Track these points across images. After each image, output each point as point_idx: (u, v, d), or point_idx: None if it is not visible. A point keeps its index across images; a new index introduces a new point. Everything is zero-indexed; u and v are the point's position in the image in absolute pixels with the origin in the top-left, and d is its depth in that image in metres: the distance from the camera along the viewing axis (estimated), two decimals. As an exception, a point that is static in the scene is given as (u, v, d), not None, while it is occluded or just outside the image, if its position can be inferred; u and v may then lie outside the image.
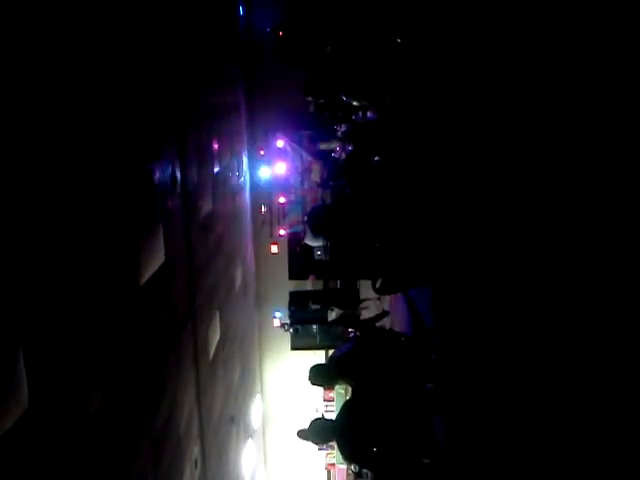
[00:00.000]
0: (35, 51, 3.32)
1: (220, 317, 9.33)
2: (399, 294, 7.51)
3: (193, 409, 7.31)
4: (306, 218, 7.95)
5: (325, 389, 12.44)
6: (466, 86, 4.63)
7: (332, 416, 5.18)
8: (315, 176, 12.42)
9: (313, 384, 5.34)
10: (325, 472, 14.15)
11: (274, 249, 14.32)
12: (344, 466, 11.74)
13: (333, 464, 13.07)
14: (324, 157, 11.79)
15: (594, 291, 2.64)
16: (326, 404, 13.46)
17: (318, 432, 4.90)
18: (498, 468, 3.85)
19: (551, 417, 3.03)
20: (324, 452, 13.55)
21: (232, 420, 10.57)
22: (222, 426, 9.56)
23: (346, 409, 4.94)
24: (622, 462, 2.38)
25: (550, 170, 3.09)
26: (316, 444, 5.17)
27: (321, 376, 5.32)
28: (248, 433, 12.85)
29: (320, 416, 5.15)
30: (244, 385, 12.50)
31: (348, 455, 5.02)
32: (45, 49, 3.44)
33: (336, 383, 5.56)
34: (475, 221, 4.37)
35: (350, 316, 11.51)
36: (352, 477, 11.15)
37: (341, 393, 11.66)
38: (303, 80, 8.12)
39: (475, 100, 4.39)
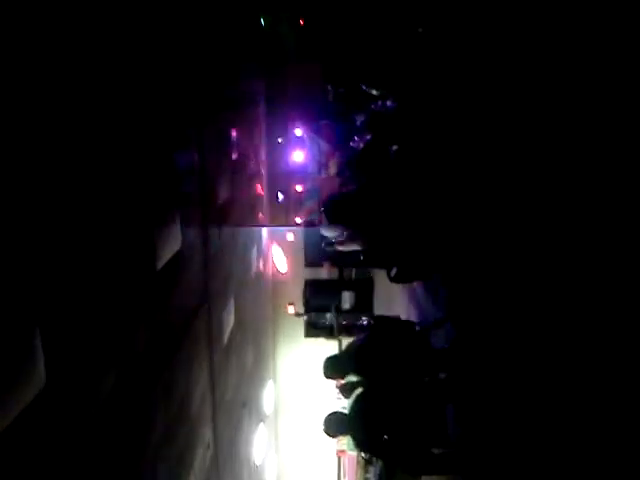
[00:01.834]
0: (59, 37, 3.35)
1: (235, 303, 9.40)
2: (416, 283, 7.51)
3: (206, 393, 7.39)
4: (322, 206, 7.97)
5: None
6: (486, 76, 4.61)
7: (344, 403, 5.22)
8: (332, 170, 12.44)
9: (327, 377, 5.37)
10: (336, 458, 14.22)
11: (290, 237, 14.36)
12: (355, 453, 11.80)
13: (344, 451, 13.14)
14: (342, 146, 11.79)
15: (609, 280, 2.64)
16: (338, 392, 13.51)
17: (334, 426, 4.95)
18: (509, 459, 3.87)
19: (564, 408, 3.04)
20: (335, 439, 13.61)
21: (244, 405, 10.66)
22: (234, 410, 9.64)
23: (359, 398, 4.97)
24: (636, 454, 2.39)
25: (574, 157, 3.08)
26: (331, 437, 5.22)
27: (335, 369, 5.35)
28: (260, 418, 12.95)
29: (334, 410, 5.20)
30: (257, 371, 12.59)
31: (359, 442, 5.06)
32: (69, 35, 3.47)
33: (350, 374, 5.60)
34: (494, 211, 4.36)
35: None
36: (362, 464, 11.23)
37: (353, 381, 11.69)
38: (323, 69, 8.13)
39: (495, 90, 4.37)
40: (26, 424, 3.00)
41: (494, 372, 4.21)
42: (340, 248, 7.82)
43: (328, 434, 5.08)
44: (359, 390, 5.17)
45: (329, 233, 6.26)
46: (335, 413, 5.11)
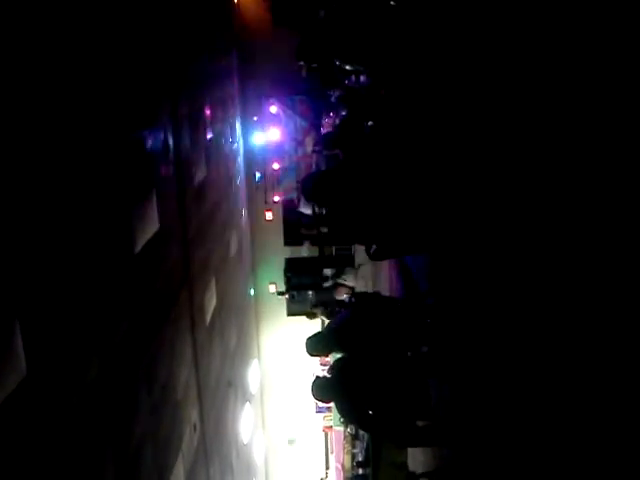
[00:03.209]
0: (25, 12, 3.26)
1: (216, 283, 9.37)
2: (394, 260, 7.54)
3: (191, 374, 7.39)
4: (300, 185, 7.94)
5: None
6: (461, 50, 4.58)
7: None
8: (308, 147, 12.37)
9: (311, 355, 5.39)
10: (322, 435, 14.37)
11: (269, 216, 14.31)
12: (341, 428, 11.93)
13: (330, 427, 13.27)
14: (318, 123, 11.73)
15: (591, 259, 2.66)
16: (322, 368, 13.60)
17: (321, 391, 4.97)
18: (493, 429, 3.91)
19: (545, 379, 3.07)
20: (321, 415, 13.75)
21: (230, 385, 10.70)
22: (220, 390, 9.68)
23: (342, 372, 4.99)
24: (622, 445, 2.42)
25: (546, 133, 3.08)
26: (319, 401, 5.25)
27: (318, 346, 5.37)
28: (246, 397, 13.01)
29: (318, 375, 5.22)
30: (241, 350, 12.62)
31: (345, 417, 5.11)
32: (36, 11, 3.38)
33: (334, 352, 5.62)
34: (471, 186, 4.37)
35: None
36: (349, 439, 11.34)
37: (339, 358, 11.74)
38: (296, 45, 8.02)
39: (470, 64, 4.35)
40: (8, 413, 2.98)
41: (476, 345, 4.25)
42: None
43: (317, 398, 5.10)
44: (343, 363, 5.20)
45: (307, 210, 6.24)
46: (320, 378, 5.13)
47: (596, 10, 2.61)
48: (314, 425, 14.68)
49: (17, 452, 3.09)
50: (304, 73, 10.73)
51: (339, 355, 5.64)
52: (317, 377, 5.05)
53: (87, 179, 4.07)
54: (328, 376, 5.11)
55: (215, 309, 9.20)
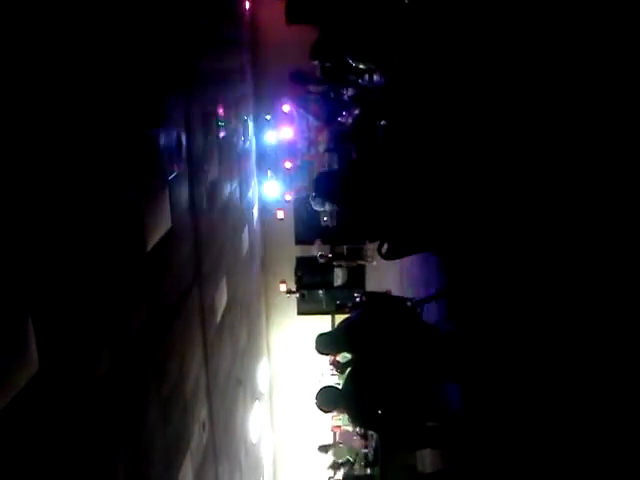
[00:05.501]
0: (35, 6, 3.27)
1: (227, 282, 9.38)
2: (407, 258, 7.51)
3: (200, 372, 7.40)
4: (313, 184, 7.94)
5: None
6: (474, 49, 4.56)
7: (337, 379, 5.23)
8: (322, 146, 12.33)
9: (320, 353, 5.40)
10: (331, 434, 14.35)
11: (280, 215, 14.33)
12: (350, 428, 11.92)
13: (339, 426, 13.25)
14: (331, 122, 11.71)
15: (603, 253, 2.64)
16: (332, 367, 13.61)
17: (326, 400, 4.97)
18: (502, 431, 3.89)
19: (557, 383, 3.05)
20: (330, 414, 13.72)
21: (239, 383, 10.71)
22: (229, 389, 9.68)
23: (353, 374, 4.99)
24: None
25: (564, 135, 3.05)
26: (324, 412, 5.25)
27: (328, 346, 5.36)
28: (255, 396, 13.02)
29: (327, 384, 5.22)
30: (251, 349, 12.63)
31: (354, 417, 5.10)
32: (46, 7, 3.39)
33: (343, 351, 5.61)
34: (484, 185, 4.34)
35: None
36: (358, 439, 11.33)
37: (347, 357, 11.73)
38: (309, 43, 8.03)
39: (484, 63, 4.32)
40: (20, 408, 2.99)
41: (487, 347, 4.23)
42: None
43: (321, 409, 5.10)
44: (352, 366, 5.19)
45: (320, 207, 6.24)
46: (327, 388, 5.13)
47: (596, 10, 2.59)
48: (323, 424, 14.66)
49: (28, 448, 3.10)
50: (318, 72, 10.73)
51: (349, 355, 5.63)
52: (322, 388, 5.05)
53: (101, 177, 4.09)
54: (332, 386, 5.11)
55: (226, 308, 9.21)
